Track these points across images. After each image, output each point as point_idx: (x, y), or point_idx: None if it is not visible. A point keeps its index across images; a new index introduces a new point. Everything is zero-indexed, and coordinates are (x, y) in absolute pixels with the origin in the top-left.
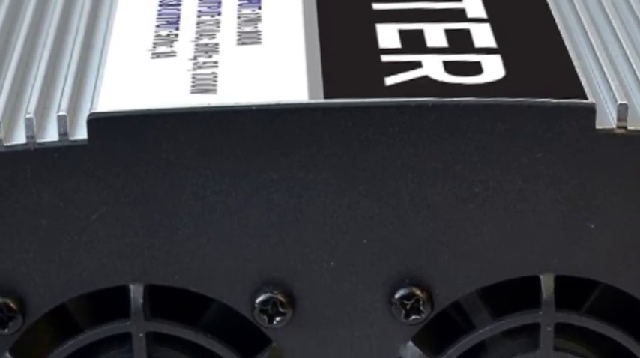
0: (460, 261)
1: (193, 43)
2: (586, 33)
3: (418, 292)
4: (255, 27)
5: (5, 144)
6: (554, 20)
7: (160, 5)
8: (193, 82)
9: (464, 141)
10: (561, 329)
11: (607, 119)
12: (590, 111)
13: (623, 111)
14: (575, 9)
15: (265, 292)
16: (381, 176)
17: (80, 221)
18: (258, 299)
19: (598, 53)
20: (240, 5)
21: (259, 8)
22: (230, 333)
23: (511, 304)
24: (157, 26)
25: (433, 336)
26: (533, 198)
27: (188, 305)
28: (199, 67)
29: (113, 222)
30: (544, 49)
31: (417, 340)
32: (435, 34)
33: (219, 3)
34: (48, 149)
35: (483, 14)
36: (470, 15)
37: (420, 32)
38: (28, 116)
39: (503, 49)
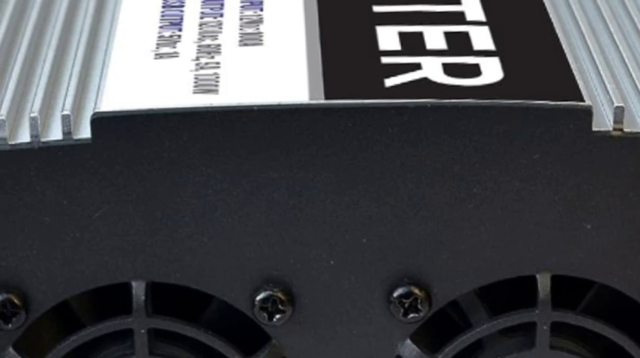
0: (458, 260)
1: (196, 44)
2: (583, 36)
3: (416, 291)
4: (257, 28)
5: (10, 143)
6: (552, 24)
7: (164, 7)
8: (196, 82)
9: (462, 142)
10: (557, 328)
11: (603, 121)
12: (587, 113)
13: (619, 113)
14: (573, 13)
15: (265, 290)
16: (380, 176)
17: (83, 218)
18: (259, 297)
19: (595, 56)
20: (242, 7)
21: (261, 10)
22: (230, 330)
23: (508, 303)
24: (160, 27)
25: (431, 334)
26: (530, 199)
27: (189, 303)
28: (202, 68)
29: (116, 220)
30: (542, 51)
31: (415, 338)
32: (434, 36)
33: (222, 5)
34: (52, 148)
35: (482, 17)
36: (469, 18)
37: (420, 34)
38: (32, 115)
39: (501, 51)
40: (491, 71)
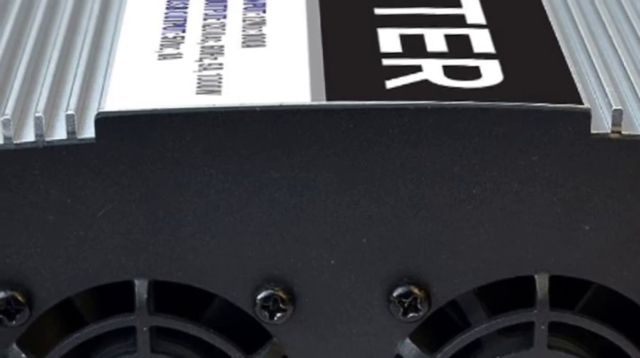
0: (457, 260)
1: (199, 45)
2: (582, 40)
3: (416, 290)
4: (260, 30)
5: (15, 142)
6: (551, 27)
7: (167, 8)
8: (199, 83)
9: (462, 144)
10: (555, 328)
11: (602, 124)
12: (586, 116)
13: (617, 116)
14: (572, 17)
15: (266, 289)
16: (380, 176)
17: (87, 217)
18: (260, 296)
19: (594, 60)
20: (245, 9)
21: (264, 12)
22: (232, 328)
23: (507, 303)
24: (164, 28)
25: (430, 334)
26: (529, 200)
27: (191, 301)
28: (205, 69)
29: (119, 219)
30: (541, 55)
31: (415, 337)
32: (435, 39)
33: (225, 6)
34: (56, 147)
35: (482, 20)
36: (469, 21)
37: (421, 37)
38: (37, 115)
39: (501, 54)
40: (491, 74)
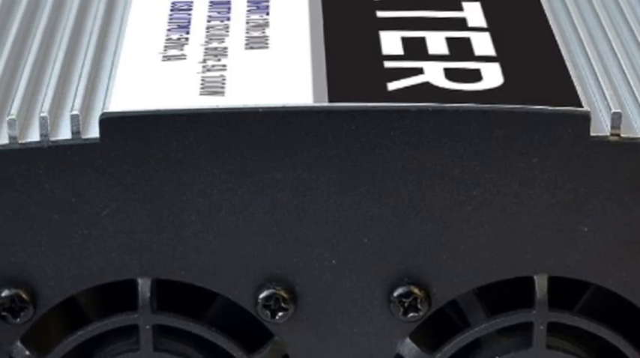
0: (457, 261)
1: (203, 47)
2: (582, 43)
3: (416, 290)
4: (263, 32)
5: (20, 142)
6: (551, 30)
7: (172, 10)
8: (202, 84)
9: (463, 146)
10: (554, 328)
11: (601, 127)
12: (585, 118)
13: (617, 119)
14: (572, 20)
15: (268, 288)
16: (381, 177)
17: (91, 216)
18: (262, 295)
19: (593, 63)
20: (248, 11)
21: (267, 14)
22: (233, 327)
23: (506, 303)
24: (169, 30)
25: (430, 333)
26: (528, 202)
27: (193, 300)
28: (208, 70)
29: (123, 218)
30: (541, 58)
31: (415, 337)
32: (436, 41)
33: (229, 9)
34: (61, 147)
35: (483, 23)
36: (470, 24)
37: (422, 40)
38: (42, 115)
39: (502, 57)
40: (492, 76)
